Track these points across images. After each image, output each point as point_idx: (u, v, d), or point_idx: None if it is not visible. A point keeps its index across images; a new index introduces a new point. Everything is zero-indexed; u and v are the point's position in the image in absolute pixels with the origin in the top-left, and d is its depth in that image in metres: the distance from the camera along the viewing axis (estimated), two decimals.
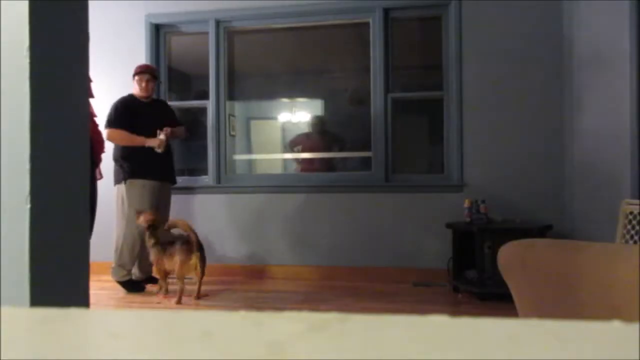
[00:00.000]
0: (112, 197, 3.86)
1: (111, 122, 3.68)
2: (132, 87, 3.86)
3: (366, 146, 4.24)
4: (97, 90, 4.48)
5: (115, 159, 3.76)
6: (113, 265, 3.72)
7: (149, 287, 3.79)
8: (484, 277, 3.39)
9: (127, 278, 3.70)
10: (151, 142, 3.69)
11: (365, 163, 4.28)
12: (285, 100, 4.74)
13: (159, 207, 3.71)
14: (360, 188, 4.14)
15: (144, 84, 3.80)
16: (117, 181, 3.77)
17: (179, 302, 3.31)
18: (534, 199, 3.89)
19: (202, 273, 3.39)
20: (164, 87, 4.54)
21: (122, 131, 3.67)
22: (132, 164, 3.69)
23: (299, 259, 4.19)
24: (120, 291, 3.67)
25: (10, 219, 1.13)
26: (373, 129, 4.19)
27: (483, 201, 3.67)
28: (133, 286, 3.70)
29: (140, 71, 3.84)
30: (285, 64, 4.60)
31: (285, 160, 4.67)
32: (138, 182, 3.68)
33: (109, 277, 3.75)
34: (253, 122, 5.04)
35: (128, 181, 3.67)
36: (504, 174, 3.95)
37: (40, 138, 1.15)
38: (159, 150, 3.69)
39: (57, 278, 1.23)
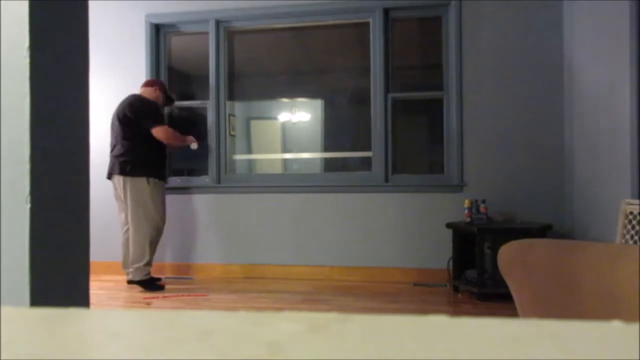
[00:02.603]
0: (110, 197, 3.85)
1: (159, 120, 3.78)
2: (139, 91, 3.95)
3: (366, 146, 4.24)
4: (97, 90, 4.50)
5: (134, 156, 3.71)
6: (136, 265, 3.62)
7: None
8: (484, 277, 3.39)
9: (149, 277, 3.68)
10: (194, 143, 4.03)
11: (365, 163, 4.28)
12: (285, 100, 4.74)
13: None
14: (360, 188, 4.14)
15: (160, 94, 4.01)
16: (130, 174, 3.69)
17: None
18: (533, 199, 3.89)
19: None
20: None
21: (171, 129, 3.82)
22: (153, 164, 3.75)
23: (299, 259, 4.19)
24: (120, 291, 3.66)
25: (10, 219, 1.13)
26: (373, 129, 4.19)
27: (483, 201, 3.67)
28: (154, 284, 3.67)
29: (159, 83, 4.05)
30: (285, 64, 4.60)
31: (285, 160, 4.67)
32: (159, 183, 3.77)
33: (109, 277, 3.73)
34: (253, 122, 5.03)
35: (151, 180, 3.70)
36: (504, 174, 3.95)
37: (40, 138, 1.15)
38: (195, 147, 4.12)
39: (57, 278, 1.23)
